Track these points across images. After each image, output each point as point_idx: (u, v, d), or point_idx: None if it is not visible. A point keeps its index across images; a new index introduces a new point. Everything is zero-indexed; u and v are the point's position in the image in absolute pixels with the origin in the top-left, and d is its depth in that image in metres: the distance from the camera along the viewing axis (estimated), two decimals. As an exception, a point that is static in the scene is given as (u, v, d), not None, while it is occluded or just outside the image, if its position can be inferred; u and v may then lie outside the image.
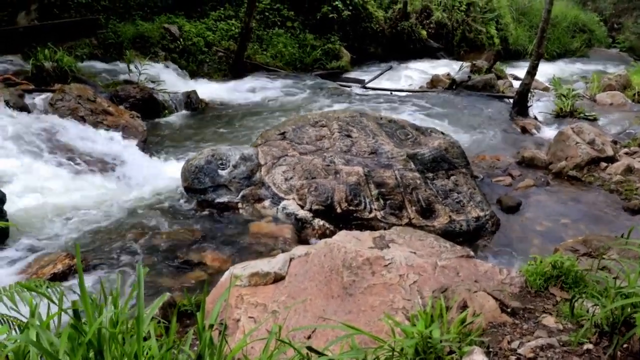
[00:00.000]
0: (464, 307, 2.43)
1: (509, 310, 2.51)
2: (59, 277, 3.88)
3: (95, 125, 7.13)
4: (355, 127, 5.86)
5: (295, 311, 3.07)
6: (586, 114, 9.99)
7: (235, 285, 3.39)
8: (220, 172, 5.37)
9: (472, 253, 3.42)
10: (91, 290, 3.74)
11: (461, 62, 14.56)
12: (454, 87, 12.09)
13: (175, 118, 9.12)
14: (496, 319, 2.42)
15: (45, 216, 4.88)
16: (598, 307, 2.20)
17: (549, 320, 2.40)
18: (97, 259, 4.27)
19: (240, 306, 3.26)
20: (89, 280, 3.96)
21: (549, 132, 9.05)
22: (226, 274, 3.55)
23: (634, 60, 21.24)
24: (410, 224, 4.94)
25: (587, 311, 2.30)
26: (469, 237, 5.11)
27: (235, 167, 5.40)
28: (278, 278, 3.36)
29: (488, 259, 4.80)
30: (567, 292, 2.83)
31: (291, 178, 5.20)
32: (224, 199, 5.24)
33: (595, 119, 9.81)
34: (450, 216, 5.14)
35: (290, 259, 3.45)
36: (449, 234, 4.96)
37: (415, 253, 3.31)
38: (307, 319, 2.98)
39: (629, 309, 2.03)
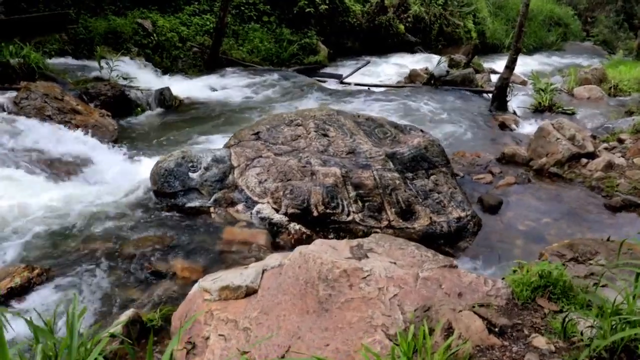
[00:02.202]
0: (448, 328, 2.25)
1: (496, 329, 2.34)
2: (17, 292, 3.59)
3: (63, 124, 6.86)
4: (332, 126, 5.66)
5: (268, 328, 2.87)
6: (564, 108, 9.97)
7: (205, 300, 3.18)
8: (191, 175, 5.12)
9: (455, 262, 3.24)
10: (52, 305, 3.49)
11: (439, 56, 14.45)
12: (432, 81, 11.96)
13: (148, 116, 8.83)
14: (483, 341, 2.25)
15: (3, 223, 4.58)
16: (593, 328, 2.04)
17: (540, 341, 2.23)
18: (58, 269, 4.01)
19: (209, 322, 3.05)
20: (49, 294, 3.71)
21: (528, 127, 8.99)
22: (195, 287, 3.33)
23: (608, 54, 21.49)
24: (389, 227, 4.77)
25: (582, 333, 2.14)
26: (450, 239, 4.95)
27: (207, 169, 5.15)
28: (250, 292, 3.15)
29: (470, 262, 4.66)
30: (556, 303, 2.68)
31: (265, 180, 4.98)
32: (195, 203, 4.99)
33: (573, 113, 9.79)
34: (430, 217, 4.97)
35: (263, 271, 3.25)
36: (430, 236, 4.80)
37: (395, 263, 3.13)
38: (280, 336, 2.78)
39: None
